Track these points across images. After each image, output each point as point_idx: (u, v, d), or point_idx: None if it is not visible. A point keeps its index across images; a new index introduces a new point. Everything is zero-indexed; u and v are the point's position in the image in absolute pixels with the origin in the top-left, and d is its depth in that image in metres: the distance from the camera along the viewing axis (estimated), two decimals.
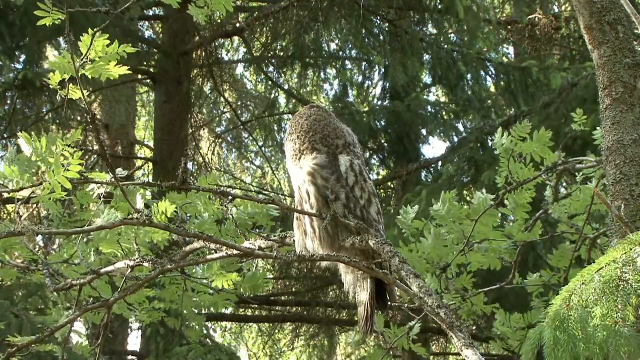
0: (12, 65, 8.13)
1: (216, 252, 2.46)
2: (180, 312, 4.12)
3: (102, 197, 2.69)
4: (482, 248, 3.57)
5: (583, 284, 1.69)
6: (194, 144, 10.74)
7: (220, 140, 11.92)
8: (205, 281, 3.32)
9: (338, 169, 2.54)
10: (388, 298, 2.58)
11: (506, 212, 3.61)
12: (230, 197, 2.53)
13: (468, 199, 3.63)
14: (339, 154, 2.60)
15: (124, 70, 2.23)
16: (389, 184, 10.07)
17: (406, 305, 3.55)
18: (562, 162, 3.51)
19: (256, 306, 10.65)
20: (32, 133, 2.37)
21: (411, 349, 3.75)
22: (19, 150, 2.50)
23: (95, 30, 2.06)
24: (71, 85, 2.18)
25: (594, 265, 1.71)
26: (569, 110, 6.57)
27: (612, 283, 1.64)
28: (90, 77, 2.22)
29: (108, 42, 2.14)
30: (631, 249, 1.65)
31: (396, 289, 2.55)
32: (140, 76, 9.90)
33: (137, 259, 2.29)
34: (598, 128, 3.39)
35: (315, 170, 2.52)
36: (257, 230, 3.11)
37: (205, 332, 8.14)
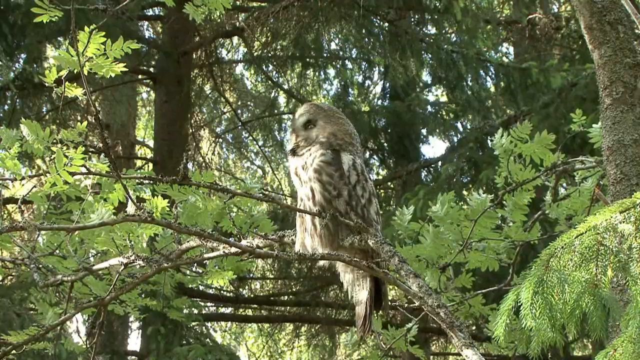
0: (12, 65, 8.13)
1: (213, 251, 2.45)
2: (162, 293, 4.10)
3: (89, 188, 2.69)
4: (480, 247, 3.56)
5: (562, 247, 1.69)
6: (194, 143, 10.74)
7: (220, 140, 11.92)
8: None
9: (341, 167, 2.55)
10: (382, 299, 2.58)
11: (504, 214, 3.60)
12: (230, 194, 2.53)
13: (468, 199, 3.61)
14: (342, 151, 2.61)
15: (121, 66, 2.22)
16: (389, 183, 10.07)
17: (406, 305, 3.55)
18: (562, 163, 3.49)
19: (256, 306, 10.65)
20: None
21: (416, 342, 3.75)
22: None
23: (93, 28, 2.06)
24: (67, 83, 2.18)
25: (574, 231, 1.71)
26: (568, 110, 6.58)
27: (593, 248, 1.65)
28: (89, 75, 2.22)
29: (104, 39, 2.14)
30: (612, 216, 1.65)
31: (388, 289, 2.56)
32: (140, 76, 9.90)
33: (131, 256, 2.29)
34: (594, 125, 3.39)
35: (321, 167, 2.53)
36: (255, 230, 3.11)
37: (205, 331, 8.15)
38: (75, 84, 2.28)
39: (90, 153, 2.54)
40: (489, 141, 7.73)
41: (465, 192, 7.35)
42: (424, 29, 10.11)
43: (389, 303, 2.65)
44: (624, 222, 1.63)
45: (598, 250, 1.64)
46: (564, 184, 4.30)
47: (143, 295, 3.49)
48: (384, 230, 6.83)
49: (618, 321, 1.68)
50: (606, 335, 1.73)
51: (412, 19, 9.89)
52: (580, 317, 1.65)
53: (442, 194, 3.50)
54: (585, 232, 1.68)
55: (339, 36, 9.87)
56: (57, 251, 2.82)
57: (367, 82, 10.67)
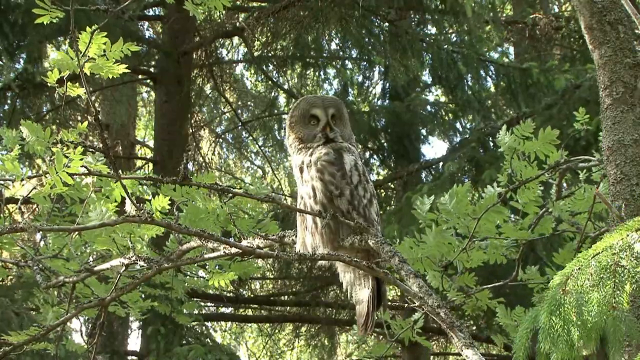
0: (13, 64, 8.13)
1: (213, 251, 2.45)
2: (171, 297, 4.11)
3: (91, 186, 2.69)
4: (483, 245, 3.56)
5: (579, 268, 1.69)
6: (194, 143, 10.74)
7: (220, 140, 11.93)
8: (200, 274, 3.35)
9: (343, 167, 2.56)
10: (382, 298, 2.58)
11: (517, 206, 3.59)
12: (230, 195, 2.53)
13: (469, 198, 3.61)
14: (344, 151, 2.62)
15: (122, 68, 2.22)
16: (389, 184, 10.07)
17: (406, 305, 3.55)
18: (565, 161, 3.50)
19: (256, 306, 10.65)
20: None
21: (415, 344, 3.75)
22: None
23: (94, 28, 2.06)
24: (69, 83, 2.18)
25: (590, 251, 1.70)
26: (571, 112, 6.58)
27: (609, 269, 1.64)
28: (89, 75, 2.22)
29: (105, 40, 2.14)
30: (627, 235, 1.65)
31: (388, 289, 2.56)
32: (140, 76, 9.90)
33: (132, 256, 2.28)
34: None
35: (324, 166, 2.54)
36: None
37: (205, 331, 8.16)
38: (76, 84, 2.28)
39: (89, 152, 2.53)
40: (490, 142, 7.72)
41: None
42: (424, 29, 10.10)
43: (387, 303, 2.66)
44: (638, 241, 1.62)
45: (615, 271, 1.63)
46: (564, 184, 4.30)
47: (143, 297, 3.50)
48: (385, 228, 6.85)
49: (636, 340, 1.67)
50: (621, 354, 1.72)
51: (413, 19, 9.89)
52: (599, 338, 1.64)
53: (457, 186, 3.49)
54: (602, 251, 1.67)
55: (339, 36, 9.87)
56: (61, 253, 2.82)
57: (367, 82, 10.68)
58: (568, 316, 1.65)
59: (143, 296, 3.51)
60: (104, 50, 2.18)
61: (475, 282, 3.68)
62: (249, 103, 11.85)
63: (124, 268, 2.31)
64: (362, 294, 2.55)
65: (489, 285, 3.65)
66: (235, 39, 10.64)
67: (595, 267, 1.65)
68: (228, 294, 9.82)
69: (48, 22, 2.17)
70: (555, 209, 3.56)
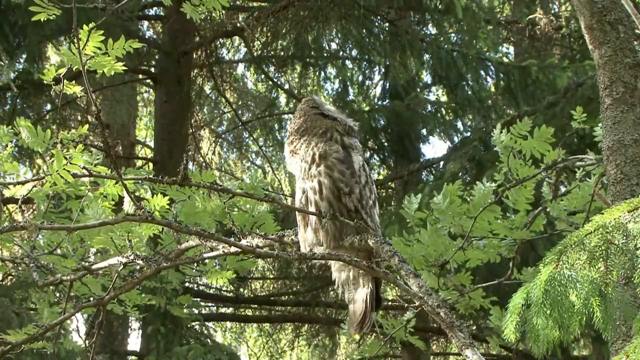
0: (13, 64, 8.13)
1: (212, 250, 2.45)
2: (166, 288, 4.11)
3: (88, 185, 2.69)
4: (481, 244, 3.56)
5: (572, 245, 1.69)
6: (194, 143, 10.73)
7: (220, 140, 11.92)
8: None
9: (352, 165, 2.57)
10: (380, 299, 2.59)
11: (508, 203, 3.59)
12: (230, 195, 2.53)
13: (469, 199, 3.61)
14: (352, 150, 2.64)
15: (120, 65, 2.22)
16: (390, 183, 10.07)
17: (406, 305, 3.54)
18: (562, 160, 3.50)
19: (256, 306, 10.65)
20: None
21: (409, 344, 3.74)
22: None
23: (91, 26, 2.05)
24: (66, 81, 2.18)
25: (583, 230, 1.71)
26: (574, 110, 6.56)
27: (602, 247, 1.64)
28: (88, 74, 2.21)
29: (103, 37, 2.14)
30: (620, 215, 1.65)
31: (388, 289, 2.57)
32: (140, 76, 9.90)
33: (130, 255, 2.28)
34: (599, 125, 3.38)
35: (334, 163, 2.54)
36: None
37: (205, 331, 8.16)
38: (74, 83, 2.28)
39: (87, 151, 2.54)
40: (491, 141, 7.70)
41: (466, 193, 7.32)
42: (424, 29, 10.11)
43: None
44: (631, 221, 1.62)
45: (608, 249, 1.63)
46: (564, 182, 4.30)
47: (143, 294, 3.49)
48: (385, 229, 6.84)
49: (630, 320, 1.67)
50: (613, 334, 1.72)
51: (412, 19, 9.89)
52: (587, 317, 1.64)
53: (446, 185, 3.49)
54: (594, 230, 1.67)
55: (339, 36, 9.87)
56: (57, 250, 2.82)
57: (367, 81, 10.69)
58: (562, 293, 1.64)
59: (143, 294, 3.51)
60: (106, 48, 2.18)
61: (472, 281, 3.68)
62: (249, 103, 11.85)
63: (122, 267, 2.31)
64: (357, 293, 2.54)
65: (482, 285, 3.65)
66: (236, 39, 10.64)
67: (588, 245, 1.67)
68: (228, 294, 9.82)
69: (48, 22, 2.17)
70: (552, 208, 3.56)
